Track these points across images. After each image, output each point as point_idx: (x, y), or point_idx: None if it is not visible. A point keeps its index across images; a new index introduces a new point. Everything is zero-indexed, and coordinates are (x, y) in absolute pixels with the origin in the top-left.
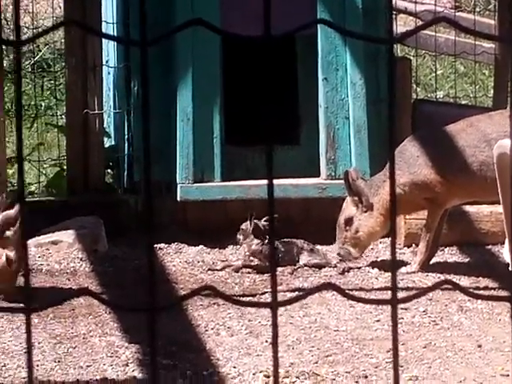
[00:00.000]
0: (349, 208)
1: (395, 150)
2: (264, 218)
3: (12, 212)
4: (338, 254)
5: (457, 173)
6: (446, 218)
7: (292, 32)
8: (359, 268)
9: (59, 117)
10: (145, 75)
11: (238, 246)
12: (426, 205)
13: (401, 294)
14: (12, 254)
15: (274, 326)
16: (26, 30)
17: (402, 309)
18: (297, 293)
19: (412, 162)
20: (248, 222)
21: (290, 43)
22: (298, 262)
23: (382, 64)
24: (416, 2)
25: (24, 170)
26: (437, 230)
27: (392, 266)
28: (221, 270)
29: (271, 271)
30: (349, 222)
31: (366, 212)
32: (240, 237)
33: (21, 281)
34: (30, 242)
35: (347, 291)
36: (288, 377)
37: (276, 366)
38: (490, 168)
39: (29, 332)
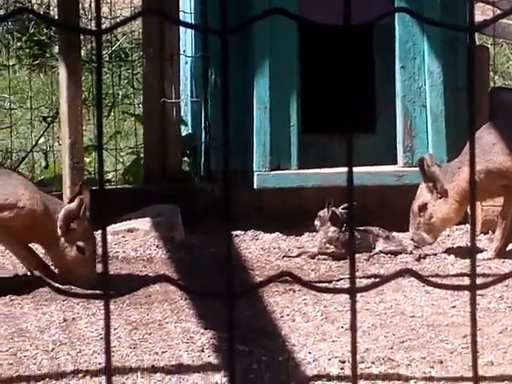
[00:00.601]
0: (423, 194)
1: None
2: (341, 206)
3: (73, 205)
4: (412, 240)
5: None
6: None
7: (373, 21)
8: (435, 255)
9: (136, 106)
10: (225, 64)
11: (314, 234)
12: (502, 192)
13: (477, 281)
14: (81, 243)
15: (353, 312)
16: (103, 19)
17: (478, 295)
18: (373, 279)
19: (488, 149)
20: (326, 209)
21: (368, 32)
22: (374, 248)
23: (459, 52)
24: None
25: (103, 158)
26: None
27: (471, 251)
28: (297, 256)
29: (350, 258)
30: (423, 208)
31: (440, 198)
32: (317, 223)
33: (98, 268)
34: (107, 229)
35: (425, 277)
36: (363, 362)
37: (354, 351)
38: None
39: (107, 318)
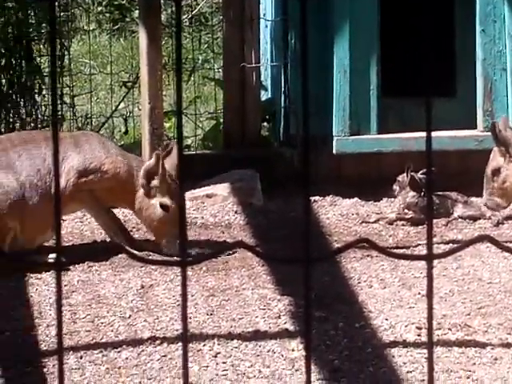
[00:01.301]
0: (496, 159)
1: None
2: (421, 171)
3: (151, 161)
4: (485, 205)
5: None
6: None
7: None
8: None
9: (216, 70)
10: (304, 27)
11: (393, 199)
12: None
13: None
14: (164, 199)
15: (429, 278)
16: None
17: None
18: (451, 245)
19: None
20: (405, 174)
21: None
22: (453, 214)
23: None
24: None
25: (182, 123)
26: None
27: None
28: (375, 222)
29: (428, 223)
30: (496, 172)
31: None
32: (396, 188)
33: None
34: (186, 195)
35: (502, 243)
36: (440, 329)
37: (430, 318)
38: None
39: (184, 285)
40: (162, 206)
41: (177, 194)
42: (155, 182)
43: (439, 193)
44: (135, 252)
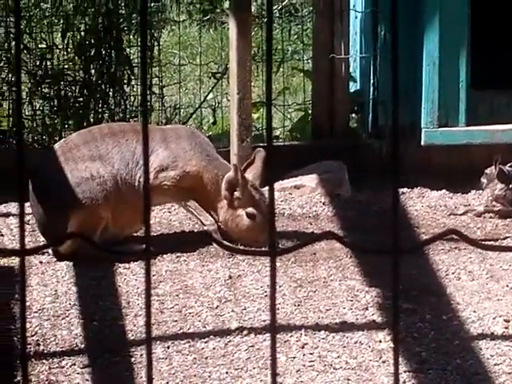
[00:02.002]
0: None
1: None
2: (509, 163)
3: (231, 173)
4: None
5: None
6: None
7: None
8: None
9: (305, 61)
10: (395, 19)
11: (481, 191)
12: None
13: None
14: (250, 209)
15: None
16: None
17: None
18: None
19: None
20: (493, 166)
21: None
22: None
23: None
24: None
25: (272, 114)
26: None
27: None
28: (463, 214)
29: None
30: None
31: None
32: (484, 181)
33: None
34: (274, 186)
35: None
36: None
37: None
38: None
39: (273, 275)
40: (249, 215)
41: (261, 203)
42: (237, 194)
43: None
44: (224, 242)
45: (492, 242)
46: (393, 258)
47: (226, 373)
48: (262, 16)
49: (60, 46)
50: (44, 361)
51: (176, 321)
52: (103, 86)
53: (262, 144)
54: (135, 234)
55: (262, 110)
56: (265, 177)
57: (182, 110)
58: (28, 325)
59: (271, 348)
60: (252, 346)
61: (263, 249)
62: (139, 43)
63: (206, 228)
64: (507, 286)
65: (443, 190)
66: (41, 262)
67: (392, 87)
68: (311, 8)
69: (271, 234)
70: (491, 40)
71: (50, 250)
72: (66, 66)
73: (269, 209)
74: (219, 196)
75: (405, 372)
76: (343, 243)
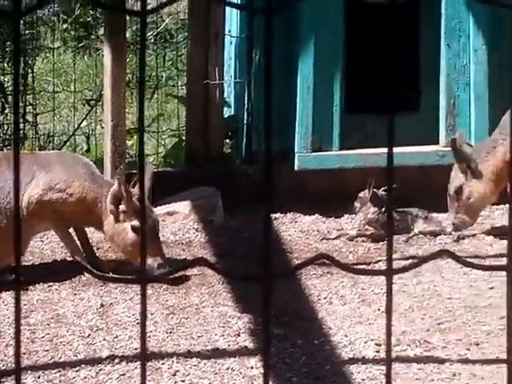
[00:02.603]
0: (458, 176)
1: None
2: (382, 187)
3: (115, 188)
4: (453, 224)
5: None
6: None
7: None
8: (474, 235)
9: (180, 87)
10: (269, 43)
11: (354, 215)
12: None
13: None
14: (134, 222)
15: (389, 293)
16: (150, 0)
17: None
18: (411, 260)
19: None
20: (366, 190)
21: (414, 9)
22: (413, 230)
23: (505, 30)
24: None
25: (144, 141)
26: None
27: (510, 231)
28: (335, 238)
29: (388, 239)
30: (459, 190)
31: (475, 178)
32: (357, 205)
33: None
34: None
35: (462, 258)
36: (399, 345)
37: (389, 334)
38: None
39: (144, 303)
40: (134, 228)
41: (148, 217)
42: (122, 207)
43: (400, 209)
44: (94, 270)
45: (364, 266)
46: (264, 284)
47: None
48: (136, 42)
49: None
50: None
51: (47, 350)
52: None
53: (135, 171)
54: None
55: (136, 136)
56: (151, 192)
57: (55, 138)
58: None
59: (141, 376)
60: (123, 375)
61: (133, 277)
62: (13, 71)
63: (74, 257)
64: (379, 309)
65: (316, 215)
66: None
67: (265, 112)
68: (186, 34)
69: (142, 260)
70: (365, 65)
71: None
72: None
73: (141, 236)
74: (103, 213)
75: None
76: (215, 270)
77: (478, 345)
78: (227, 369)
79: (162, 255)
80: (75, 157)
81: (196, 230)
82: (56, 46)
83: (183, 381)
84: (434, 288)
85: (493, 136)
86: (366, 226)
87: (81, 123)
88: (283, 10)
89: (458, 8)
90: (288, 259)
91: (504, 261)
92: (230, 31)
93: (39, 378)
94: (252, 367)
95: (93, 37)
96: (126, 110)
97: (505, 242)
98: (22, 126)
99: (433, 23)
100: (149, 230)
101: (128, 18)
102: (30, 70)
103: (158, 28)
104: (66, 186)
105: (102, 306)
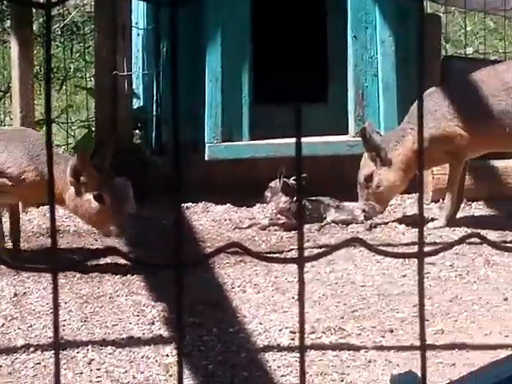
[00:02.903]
0: (367, 164)
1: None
2: (293, 177)
3: (74, 160)
4: (363, 211)
5: (476, 122)
6: (466, 170)
7: None
8: (386, 224)
9: (88, 79)
10: (174, 34)
11: (265, 205)
12: (447, 158)
13: (428, 249)
14: (96, 192)
15: (301, 281)
16: None
17: (428, 263)
18: (323, 249)
19: (430, 116)
20: (277, 179)
21: (320, 2)
22: (325, 219)
23: (411, 21)
24: None
25: (52, 132)
26: (460, 183)
27: (419, 219)
28: (248, 227)
29: (299, 227)
30: (369, 178)
31: (384, 167)
32: (268, 194)
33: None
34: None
35: (374, 246)
36: (314, 332)
37: (302, 321)
38: (509, 117)
39: (55, 292)
40: (97, 198)
41: (107, 184)
42: (83, 179)
43: (312, 198)
44: (7, 259)
45: (277, 255)
46: (176, 273)
47: None
48: (43, 34)
49: None
50: None
51: None
52: None
53: None
54: None
55: (44, 127)
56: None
57: None
58: None
59: (55, 365)
60: (38, 363)
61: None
62: None
63: None
64: (293, 297)
65: (228, 204)
66: None
67: (172, 103)
68: (93, 26)
69: (53, 250)
70: (273, 56)
71: None
72: None
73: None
74: (62, 187)
75: None
76: (127, 259)
77: (392, 332)
78: (142, 357)
79: (122, 223)
80: (38, 135)
81: None
82: None
83: (98, 369)
84: (348, 276)
85: (401, 125)
86: (278, 216)
87: None
88: (188, 2)
89: None
90: (200, 248)
91: (416, 248)
92: (137, 23)
93: None
94: (167, 355)
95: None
96: (35, 102)
97: (416, 230)
98: None
99: (339, 14)
100: (112, 199)
101: (34, 10)
102: None
103: (64, 20)
104: (19, 171)
105: (15, 295)
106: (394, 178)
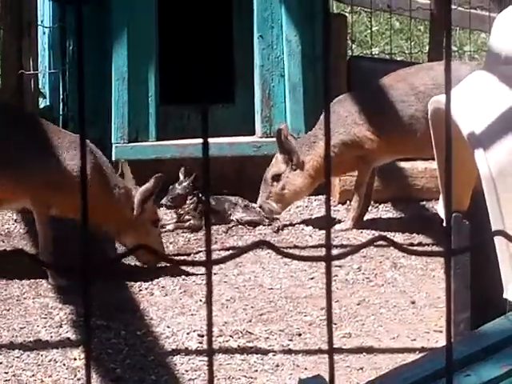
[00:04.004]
0: (278, 165)
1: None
2: (191, 177)
3: (149, 185)
4: (260, 207)
5: (386, 127)
6: (376, 173)
7: None
8: (293, 225)
9: None
10: (79, 33)
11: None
12: (357, 163)
13: (335, 252)
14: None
15: (208, 285)
16: None
17: (336, 266)
18: (231, 251)
19: (341, 122)
20: (178, 182)
21: (226, 1)
22: (231, 217)
23: (317, 21)
24: None
25: None
26: (368, 186)
27: (327, 222)
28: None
29: (206, 230)
30: (276, 178)
31: (295, 170)
32: (172, 195)
33: None
34: None
35: (281, 249)
36: (221, 336)
37: (210, 325)
38: (419, 121)
39: None
40: (154, 222)
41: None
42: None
43: (218, 196)
44: None
45: (185, 257)
46: (83, 276)
47: None
48: None
49: None
50: None
51: None
52: None
53: None
54: None
55: None
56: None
57: None
58: None
59: None
60: None
61: None
62: None
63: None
64: (200, 300)
65: None
66: None
67: (78, 102)
68: None
69: None
70: (179, 55)
71: None
72: None
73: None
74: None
75: None
76: (34, 260)
77: (300, 335)
78: (50, 360)
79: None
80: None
81: (15, 221)
82: None
83: (6, 372)
84: (256, 278)
85: (313, 131)
86: (186, 217)
87: None
88: (93, 0)
89: None
90: (108, 251)
91: (323, 251)
92: (42, 21)
93: None
94: (75, 358)
95: None
96: None
97: (323, 233)
98: None
99: (245, 13)
100: None
101: None
102: None
103: None
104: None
105: None
106: (302, 184)
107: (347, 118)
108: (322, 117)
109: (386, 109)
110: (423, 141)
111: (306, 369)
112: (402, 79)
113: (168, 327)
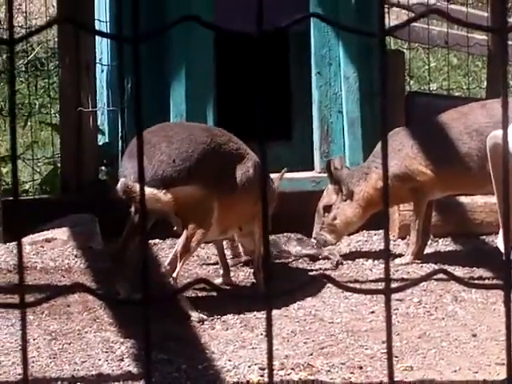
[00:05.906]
0: (329, 195)
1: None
2: None
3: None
4: (314, 239)
5: (439, 163)
6: (433, 207)
7: (285, 27)
8: (353, 260)
9: (53, 115)
10: (137, 71)
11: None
12: (410, 196)
13: (395, 285)
14: None
15: (268, 319)
16: (19, 29)
17: (396, 300)
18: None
19: (394, 155)
20: None
21: (283, 39)
22: (290, 253)
23: (375, 57)
24: None
25: (18, 168)
26: (425, 220)
27: (385, 255)
28: (215, 263)
29: (266, 264)
30: (327, 208)
31: (345, 201)
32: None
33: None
34: (25, 239)
35: (341, 283)
36: (283, 369)
37: (270, 358)
38: (472, 159)
39: (24, 327)
40: None
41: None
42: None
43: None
44: None
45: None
46: (144, 308)
47: None
48: (7, 70)
49: None
50: None
51: None
52: None
53: (11, 198)
54: None
55: (10, 164)
56: None
57: None
58: None
59: None
60: None
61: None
62: None
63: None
64: (261, 334)
65: None
66: None
67: (137, 139)
68: (57, 62)
69: (21, 286)
70: (237, 93)
71: None
72: None
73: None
74: None
75: None
76: (95, 295)
77: (361, 368)
78: None
79: None
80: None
81: (75, 257)
82: None
83: None
84: (316, 312)
85: (366, 162)
86: (241, 253)
87: None
88: (151, 38)
89: (327, 36)
90: (169, 285)
91: (383, 285)
92: (101, 59)
93: None
94: None
95: None
96: (0, 138)
97: (383, 267)
98: None
99: (302, 52)
100: None
101: None
102: None
103: (28, 56)
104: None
105: None
106: (352, 214)
107: (400, 152)
108: (376, 148)
109: (439, 145)
110: (478, 178)
111: None
112: (456, 117)
113: (229, 361)
